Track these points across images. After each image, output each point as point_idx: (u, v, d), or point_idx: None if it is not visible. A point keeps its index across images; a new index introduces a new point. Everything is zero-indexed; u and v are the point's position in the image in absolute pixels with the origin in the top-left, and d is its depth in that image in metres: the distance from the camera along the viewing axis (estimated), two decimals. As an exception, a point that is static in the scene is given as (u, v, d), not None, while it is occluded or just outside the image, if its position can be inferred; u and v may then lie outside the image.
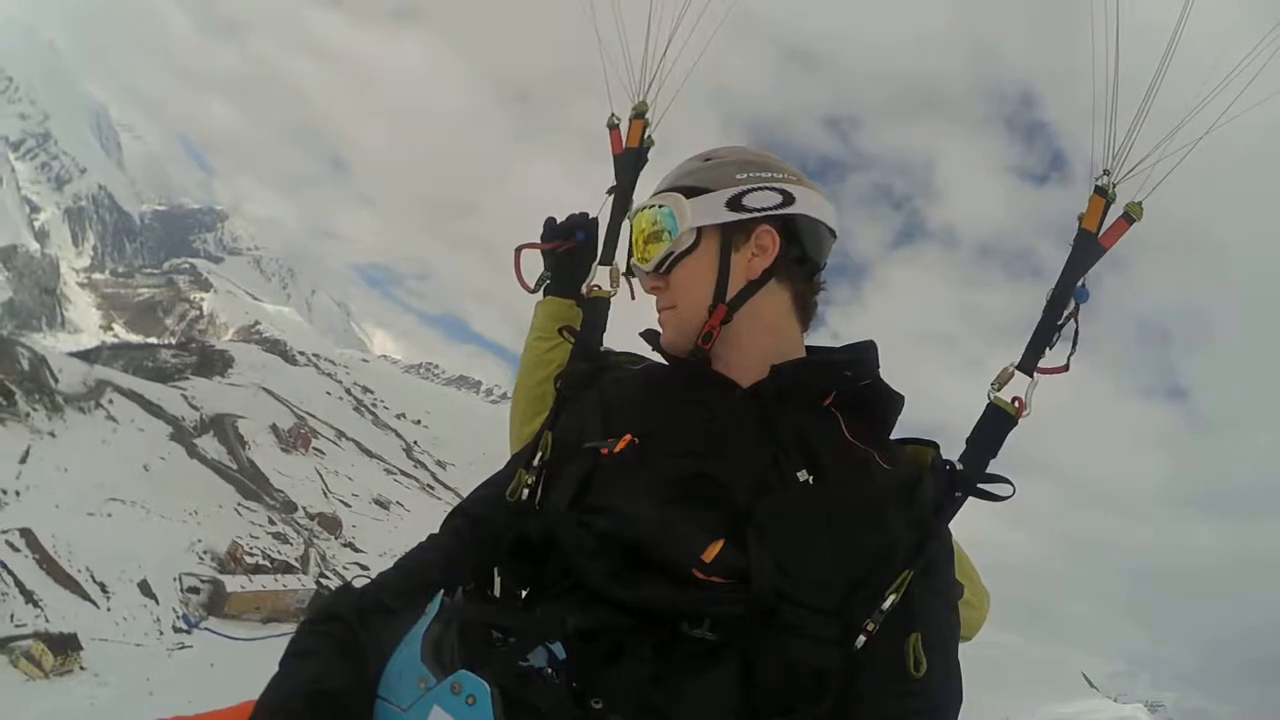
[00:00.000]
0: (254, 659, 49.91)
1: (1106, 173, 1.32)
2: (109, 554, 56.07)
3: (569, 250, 1.81)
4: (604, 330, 1.59)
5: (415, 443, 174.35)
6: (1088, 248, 1.33)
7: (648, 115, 1.64)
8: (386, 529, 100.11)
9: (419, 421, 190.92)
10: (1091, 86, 1.30)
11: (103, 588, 53.34)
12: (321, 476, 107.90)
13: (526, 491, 1.32)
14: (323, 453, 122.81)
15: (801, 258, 1.37)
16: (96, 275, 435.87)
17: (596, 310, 1.60)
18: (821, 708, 1.08)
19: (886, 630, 1.11)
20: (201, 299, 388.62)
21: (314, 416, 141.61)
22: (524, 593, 1.26)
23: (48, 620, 46.32)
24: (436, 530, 1.36)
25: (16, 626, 44.53)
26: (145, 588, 55.74)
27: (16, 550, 50.55)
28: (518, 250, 1.77)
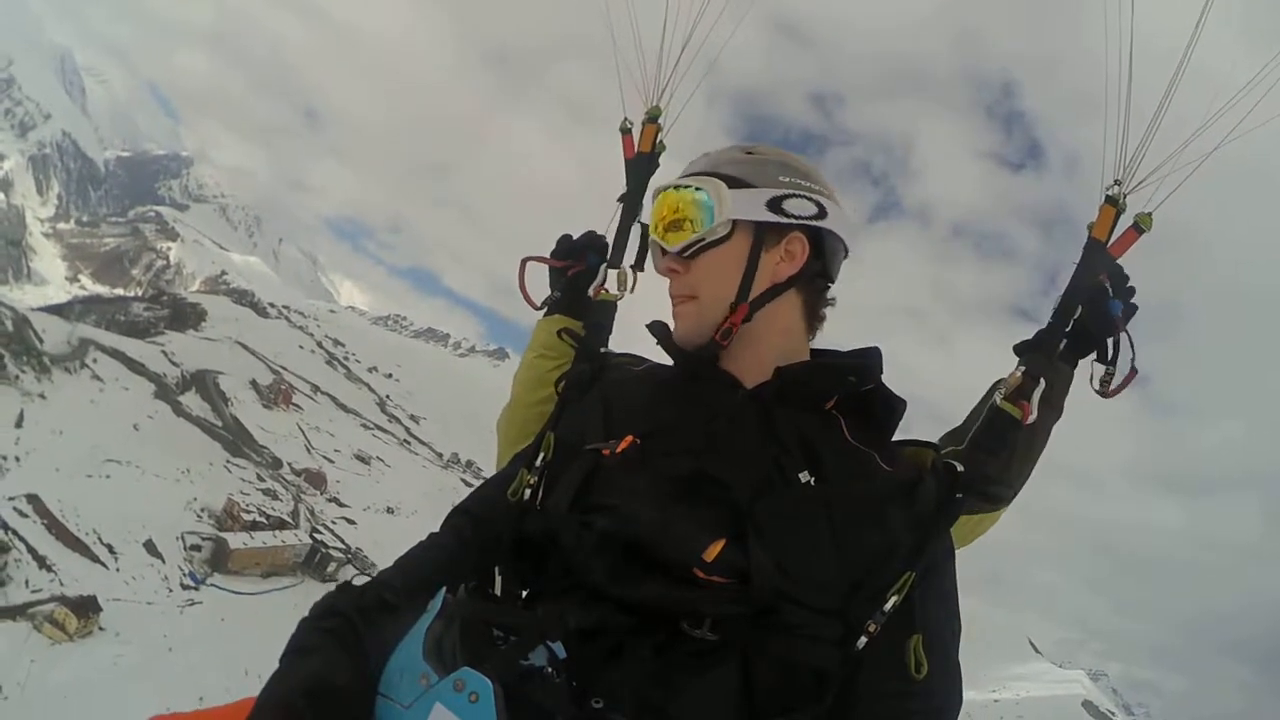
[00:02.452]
0: (261, 612, 50.87)
1: (1117, 182, 1.29)
2: (113, 515, 55.59)
3: (579, 272, 1.72)
4: (609, 333, 1.56)
5: (388, 397, 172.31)
6: (1097, 256, 1.30)
7: (660, 120, 1.60)
8: (369, 484, 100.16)
9: (390, 375, 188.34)
10: (1104, 97, 1.27)
11: (110, 549, 52.95)
12: (303, 432, 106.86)
13: (528, 491, 1.29)
14: (300, 408, 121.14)
15: (822, 271, 1.34)
16: (62, 225, 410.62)
17: (603, 313, 1.56)
18: (821, 708, 1.05)
19: (888, 631, 1.08)
20: (168, 248, 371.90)
21: (288, 370, 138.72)
22: (524, 592, 1.23)
23: (62, 584, 45.91)
24: (437, 528, 1.33)
25: (33, 592, 44.08)
26: (151, 547, 55.47)
27: (25, 516, 49.67)
28: (523, 262, 1.70)
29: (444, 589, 1.09)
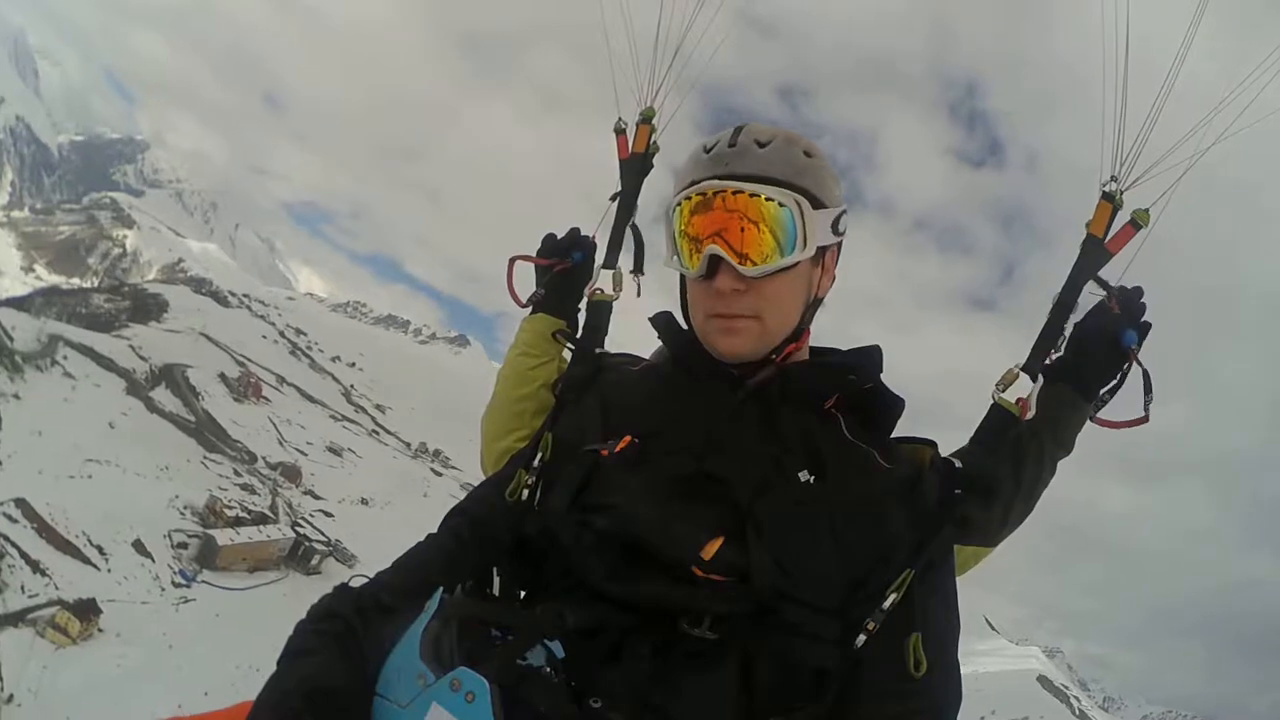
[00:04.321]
0: (252, 606, 51.11)
1: (1114, 179, 1.24)
2: (99, 516, 54.40)
3: (564, 270, 1.67)
4: (605, 334, 1.51)
5: (353, 386, 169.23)
6: (1094, 252, 1.25)
7: (654, 121, 1.55)
8: (343, 475, 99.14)
9: (354, 364, 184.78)
10: (1101, 93, 1.20)
11: (100, 550, 52.00)
12: (275, 426, 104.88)
13: (526, 492, 1.25)
14: (269, 400, 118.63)
15: None
16: (16, 213, 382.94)
17: (599, 314, 1.51)
18: (821, 707, 1.02)
19: (887, 629, 1.04)
20: (124, 236, 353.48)
21: (253, 361, 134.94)
22: (523, 593, 1.21)
23: (57, 588, 45.20)
24: (435, 529, 1.28)
25: (30, 597, 43.41)
26: (140, 546, 54.55)
27: (15, 521, 48.49)
28: (511, 261, 1.64)
29: (441, 589, 1.05)
